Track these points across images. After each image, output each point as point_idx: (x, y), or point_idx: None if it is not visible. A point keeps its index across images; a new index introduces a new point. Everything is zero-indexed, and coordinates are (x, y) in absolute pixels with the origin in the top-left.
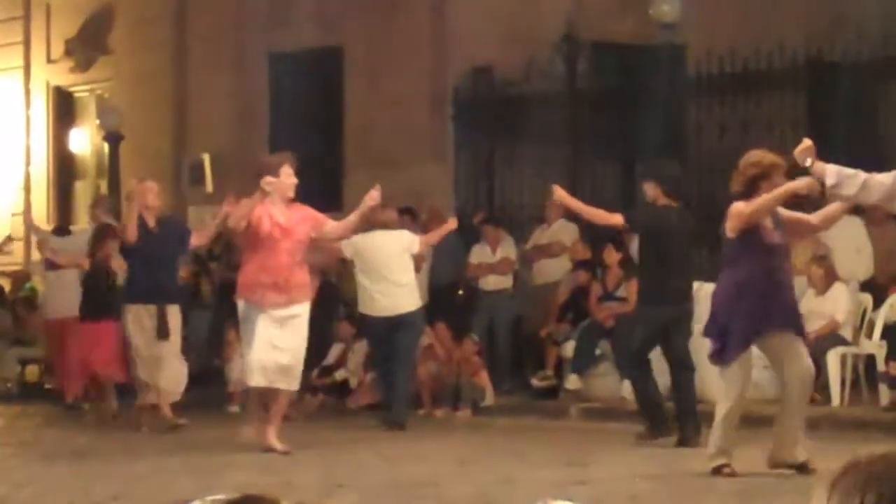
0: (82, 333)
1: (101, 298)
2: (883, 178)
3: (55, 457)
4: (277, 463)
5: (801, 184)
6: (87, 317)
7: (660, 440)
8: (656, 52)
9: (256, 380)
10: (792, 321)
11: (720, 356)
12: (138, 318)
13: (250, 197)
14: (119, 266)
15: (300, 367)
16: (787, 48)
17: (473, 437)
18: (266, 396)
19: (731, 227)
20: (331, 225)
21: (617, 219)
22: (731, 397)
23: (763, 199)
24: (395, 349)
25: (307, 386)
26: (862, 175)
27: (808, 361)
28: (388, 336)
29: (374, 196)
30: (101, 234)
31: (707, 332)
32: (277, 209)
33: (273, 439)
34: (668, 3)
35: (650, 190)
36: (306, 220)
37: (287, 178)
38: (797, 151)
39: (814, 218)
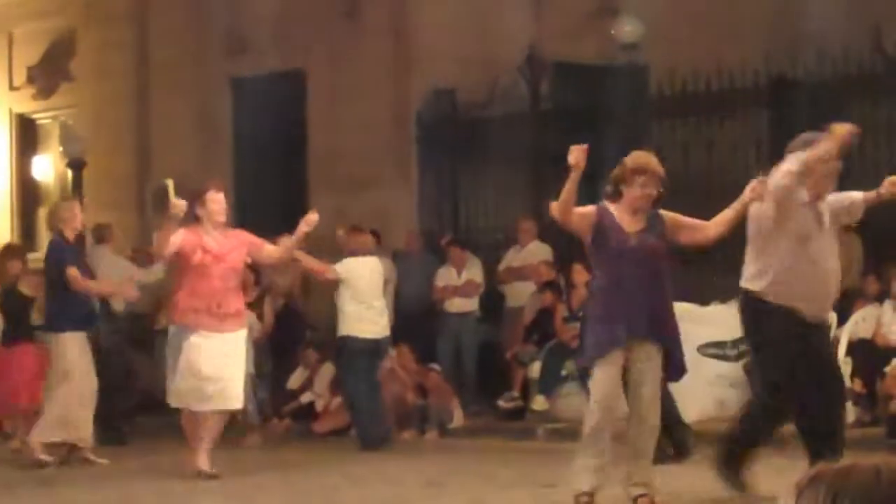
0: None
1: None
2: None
3: (19, 486)
4: (244, 487)
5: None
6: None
7: None
8: (619, 72)
9: (175, 401)
10: None
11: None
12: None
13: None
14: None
15: (233, 391)
16: (749, 68)
17: (441, 459)
18: (195, 419)
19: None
20: (268, 249)
21: None
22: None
23: None
24: (370, 371)
25: (273, 410)
26: None
27: None
28: (369, 358)
29: (310, 220)
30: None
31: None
32: (210, 236)
33: (202, 462)
34: (630, 24)
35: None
36: (241, 246)
37: (213, 204)
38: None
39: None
